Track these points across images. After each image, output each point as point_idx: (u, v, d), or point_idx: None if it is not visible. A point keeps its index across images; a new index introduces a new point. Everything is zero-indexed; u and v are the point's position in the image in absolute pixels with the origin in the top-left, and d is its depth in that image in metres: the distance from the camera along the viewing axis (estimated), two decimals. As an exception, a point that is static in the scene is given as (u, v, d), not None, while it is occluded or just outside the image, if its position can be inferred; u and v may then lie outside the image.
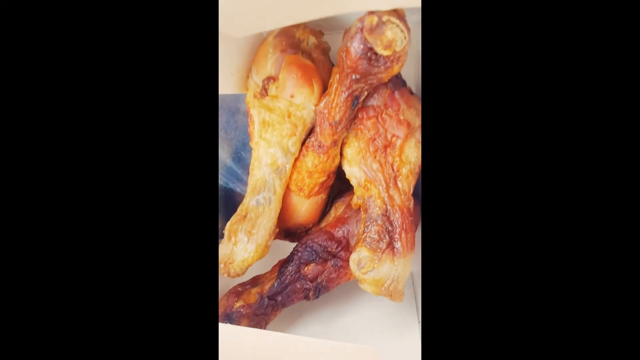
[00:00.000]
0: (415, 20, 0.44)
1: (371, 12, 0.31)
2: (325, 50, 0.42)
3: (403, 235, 0.37)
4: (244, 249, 0.40)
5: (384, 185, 0.38)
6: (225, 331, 0.32)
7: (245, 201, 0.41)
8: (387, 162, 0.38)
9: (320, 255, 0.41)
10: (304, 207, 0.43)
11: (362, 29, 0.31)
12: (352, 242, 0.41)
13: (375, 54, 0.32)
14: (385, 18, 0.31)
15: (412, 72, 0.44)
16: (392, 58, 0.32)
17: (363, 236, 0.38)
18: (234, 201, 0.49)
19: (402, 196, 0.38)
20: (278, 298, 0.41)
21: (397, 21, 0.31)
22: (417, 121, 0.39)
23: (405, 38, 0.32)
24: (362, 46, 0.32)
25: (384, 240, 0.37)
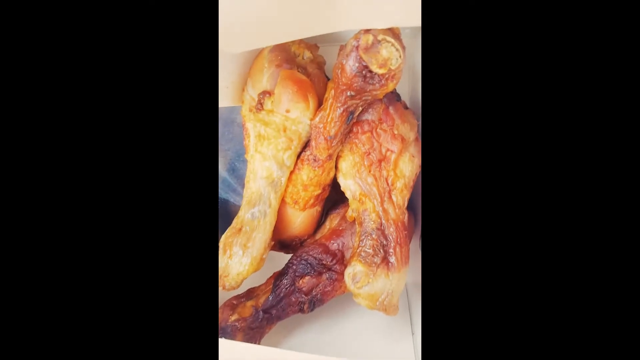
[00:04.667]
0: (410, 34, 0.44)
1: (367, 31, 0.32)
2: (320, 65, 0.42)
3: (397, 249, 0.38)
4: (239, 262, 0.40)
5: (379, 199, 0.39)
6: (222, 347, 0.32)
7: (241, 214, 0.41)
8: (381, 176, 0.39)
9: (315, 268, 0.41)
10: (299, 220, 0.43)
11: (357, 47, 0.32)
12: (347, 255, 0.41)
13: (370, 72, 0.32)
14: (380, 37, 0.31)
15: (406, 86, 0.44)
16: (387, 76, 0.33)
17: (358, 250, 0.38)
18: (228, 211, 0.49)
19: (397, 210, 0.39)
20: (273, 311, 0.41)
21: (393, 40, 0.32)
22: (411, 135, 0.40)
23: (400, 57, 0.32)
24: (357, 64, 0.32)
25: (379, 255, 0.38)
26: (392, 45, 0.32)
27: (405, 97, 0.42)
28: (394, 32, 0.32)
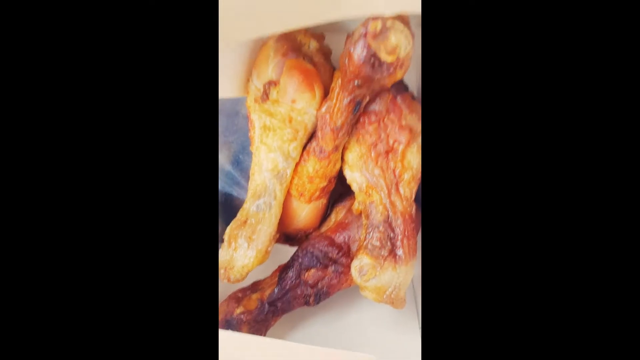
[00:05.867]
0: (417, 24, 0.43)
1: (375, 18, 0.31)
2: (326, 54, 0.41)
3: (405, 241, 0.37)
4: (244, 254, 0.40)
5: (386, 191, 0.38)
6: (226, 338, 0.32)
7: (246, 206, 0.41)
8: (388, 168, 0.38)
9: (321, 260, 0.41)
10: (305, 212, 0.43)
11: (365, 34, 0.31)
12: (353, 248, 0.41)
13: (379, 59, 0.32)
14: (389, 23, 0.31)
15: (413, 77, 0.44)
16: (395, 64, 0.32)
17: (364, 243, 0.38)
18: (232, 206, 0.48)
19: (404, 202, 0.38)
20: (278, 304, 0.41)
21: (402, 27, 0.31)
22: (419, 127, 0.39)
23: (409, 44, 0.31)
24: (365, 52, 0.32)
25: (386, 247, 0.37)
26: (402, 32, 0.31)
27: (412, 87, 0.41)
28: (403, 19, 0.31)
